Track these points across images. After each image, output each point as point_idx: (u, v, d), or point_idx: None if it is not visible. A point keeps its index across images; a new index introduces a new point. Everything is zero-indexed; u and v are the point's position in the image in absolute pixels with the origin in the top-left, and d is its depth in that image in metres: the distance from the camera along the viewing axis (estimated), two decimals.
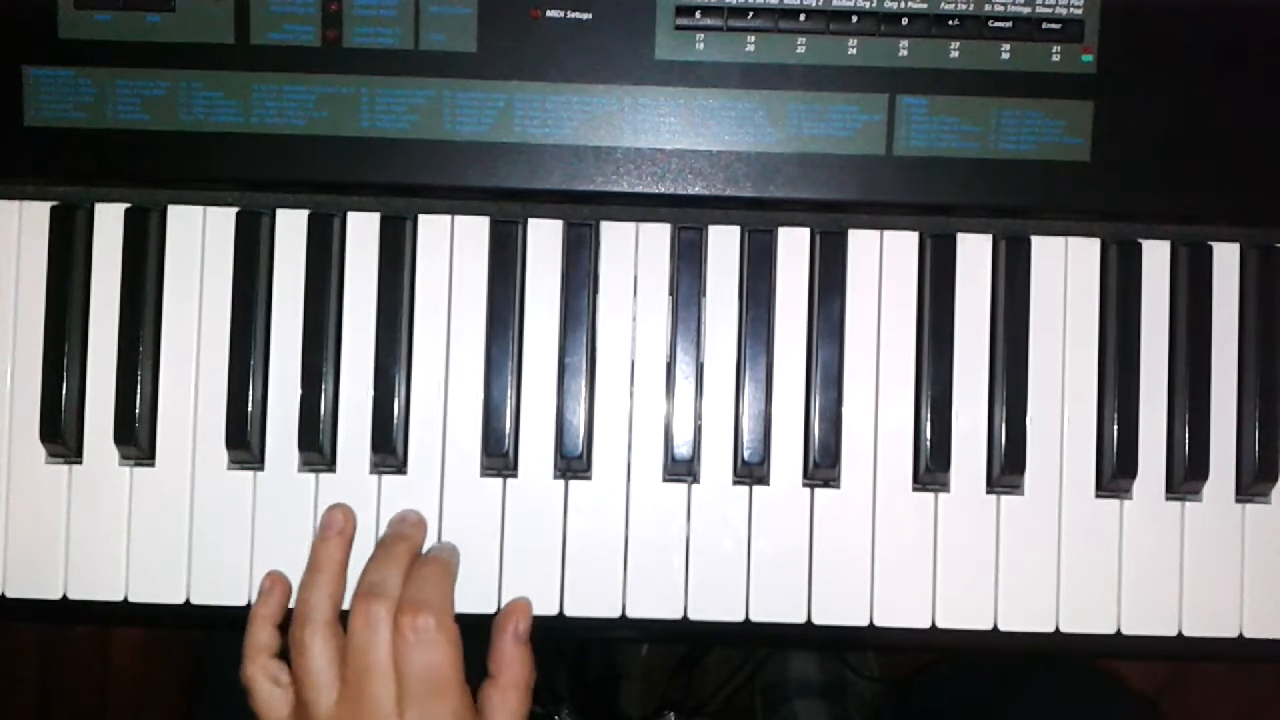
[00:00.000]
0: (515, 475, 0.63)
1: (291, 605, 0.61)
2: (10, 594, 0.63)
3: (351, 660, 0.56)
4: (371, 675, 0.56)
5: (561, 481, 0.63)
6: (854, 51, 0.61)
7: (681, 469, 0.63)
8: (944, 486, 0.63)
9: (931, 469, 0.62)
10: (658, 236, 0.64)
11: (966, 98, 0.61)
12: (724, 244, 0.64)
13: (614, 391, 0.63)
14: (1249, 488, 0.64)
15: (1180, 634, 0.63)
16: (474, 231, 0.64)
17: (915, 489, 0.63)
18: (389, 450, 0.62)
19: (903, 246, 0.64)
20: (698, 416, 0.63)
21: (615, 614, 0.63)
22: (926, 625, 0.63)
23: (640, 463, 0.63)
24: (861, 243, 0.64)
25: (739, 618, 0.63)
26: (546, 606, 0.62)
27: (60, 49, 0.61)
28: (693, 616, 0.63)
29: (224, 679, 0.75)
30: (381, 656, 0.56)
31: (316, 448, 0.62)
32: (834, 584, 0.63)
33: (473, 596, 0.62)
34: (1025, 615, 0.63)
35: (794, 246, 0.64)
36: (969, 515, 0.63)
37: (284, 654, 0.60)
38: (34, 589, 0.63)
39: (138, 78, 0.61)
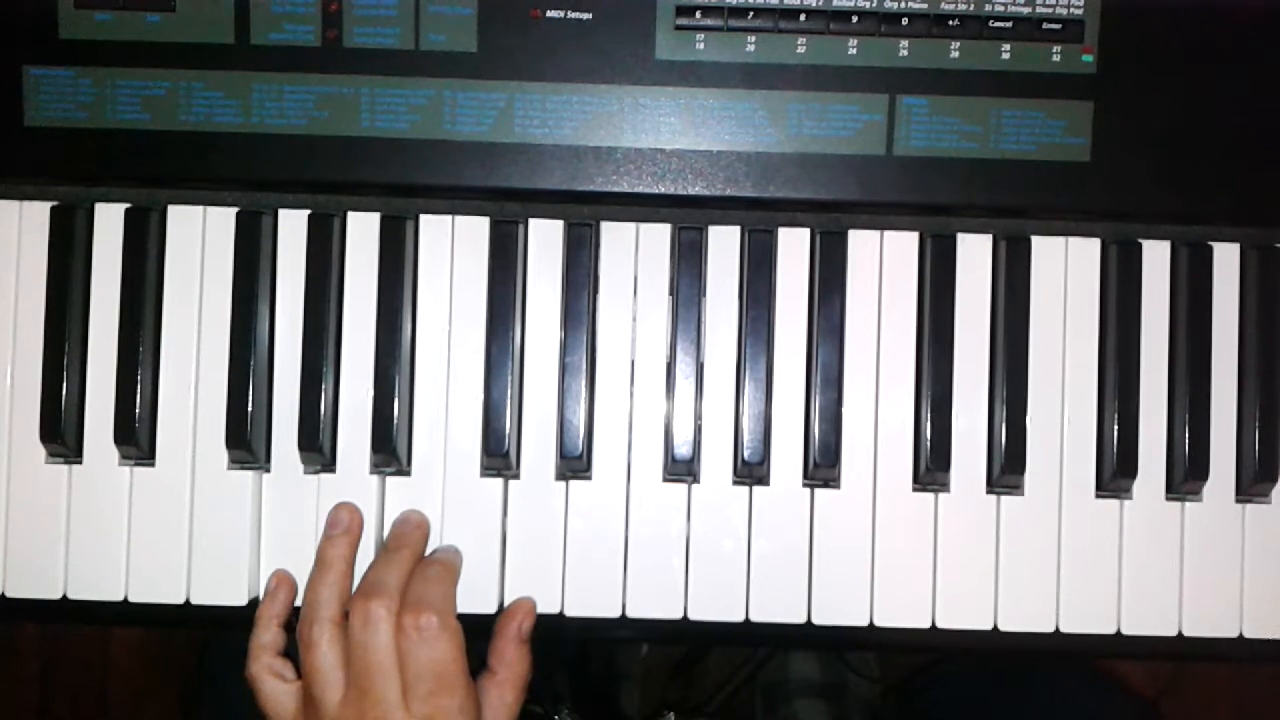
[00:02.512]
0: (516, 475, 0.63)
1: (298, 604, 0.61)
2: (10, 594, 0.63)
3: (354, 658, 0.57)
4: (374, 672, 0.56)
5: (562, 482, 0.63)
6: (854, 51, 0.61)
7: (681, 469, 0.63)
8: (944, 486, 0.63)
9: (931, 469, 0.62)
10: (658, 236, 0.64)
11: (967, 98, 0.61)
12: (724, 244, 0.64)
13: (614, 391, 0.63)
14: (1249, 488, 0.64)
15: (1180, 634, 0.63)
16: (474, 231, 0.64)
17: (915, 489, 0.63)
18: (389, 450, 0.62)
19: (903, 246, 0.64)
20: (698, 416, 0.63)
21: (615, 614, 0.63)
22: (926, 625, 0.63)
23: (640, 463, 0.63)
24: (861, 243, 0.64)
25: (739, 618, 0.63)
26: (547, 606, 0.62)
27: (60, 49, 0.61)
28: (693, 616, 0.63)
29: (225, 679, 0.75)
30: (382, 654, 0.56)
31: (317, 448, 0.62)
32: (834, 584, 0.63)
33: (473, 596, 0.62)
34: (1025, 615, 0.63)
35: (794, 246, 0.64)
36: (969, 515, 0.63)
37: (288, 653, 0.60)
38: (34, 589, 0.63)
39: (138, 78, 0.61)
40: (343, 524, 0.61)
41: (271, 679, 0.59)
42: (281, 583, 0.61)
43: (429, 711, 0.56)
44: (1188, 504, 0.64)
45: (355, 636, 0.57)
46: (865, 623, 0.63)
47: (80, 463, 0.63)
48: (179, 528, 0.62)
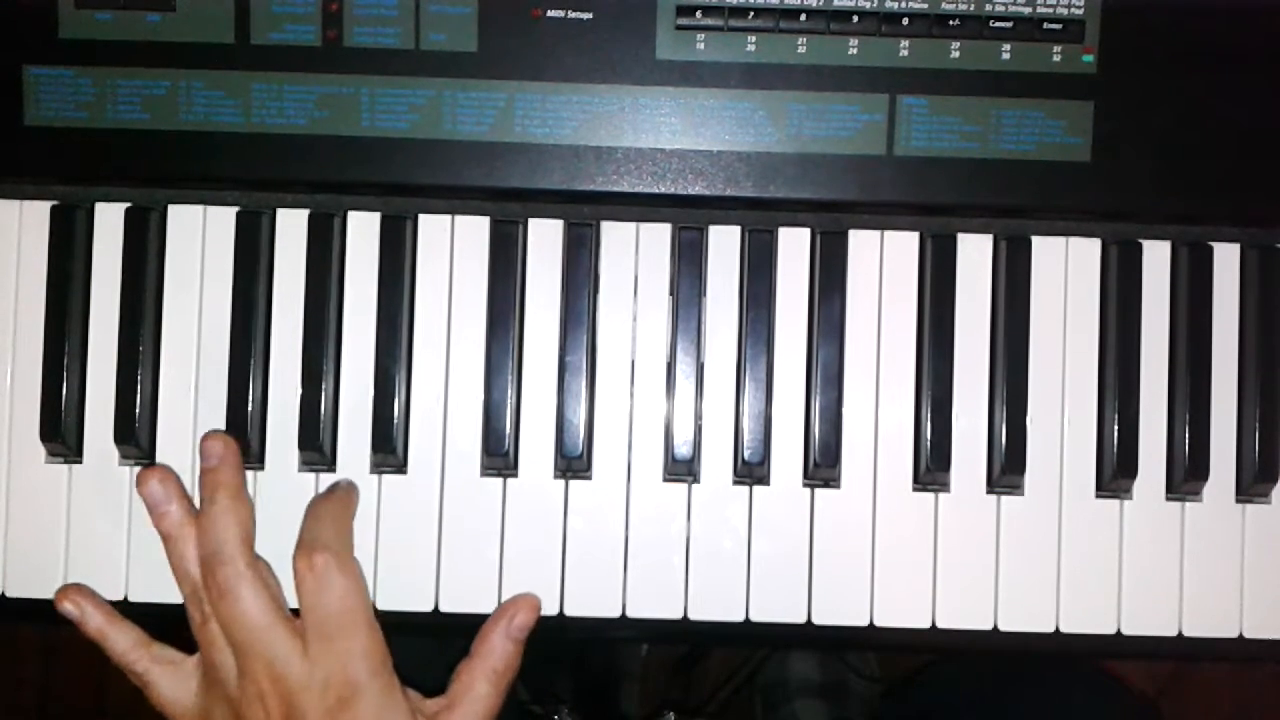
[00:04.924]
0: (515, 475, 0.63)
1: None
2: (10, 594, 0.63)
3: (232, 636, 0.56)
4: (252, 636, 0.55)
5: (562, 481, 0.63)
6: (854, 51, 0.61)
7: (682, 469, 0.63)
8: (944, 486, 0.63)
9: (931, 469, 0.62)
10: (658, 236, 0.64)
11: (967, 98, 0.61)
12: (724, 244, 0.64)
13: (614, 391, 0.63)
14: (1249, 488, 0.64)
15: (1180, 634, 0.63)
16: (474, 231, 0.64)
17: (915, 489, 0.63)
18: (389, 450, 0.62)
19: (903, 246, 0.64)
20: (698, 416, 0.63)
21: (615, 614, 0.63)
22: (926, 625, 0.63)
23: (640, 463, 0.63)
24: (862, 243, 0.64)
25: (739, 618, 0.63)
26: (547, 606, 0.62)
27: (60, 49, 0.60)
28: (693, 616, 0.63)
29: None
30: (253, 615, 0.55)
31: (316, 447, 0.62)
32: (834, 584, 0.63)
33: (472, 596, 0.62)
34: (1025, 615, 0.63)
35: (794, 246, 0.64)
36: (969, 515, 0.63)
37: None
38: (34, 589, 0.63)
39: (138, 77, 0.61)
40: (160, 504, 0.58)
41: (162, 668, 0.59)
42: (82, 600, 0.59)
43: (328, 657, 0.55)
44: (1188, 504, 0.64)
45: (218, 613, 0.56)
46: (865, 623, 0.63)
47: (80, 463, 0.63)
48: None
